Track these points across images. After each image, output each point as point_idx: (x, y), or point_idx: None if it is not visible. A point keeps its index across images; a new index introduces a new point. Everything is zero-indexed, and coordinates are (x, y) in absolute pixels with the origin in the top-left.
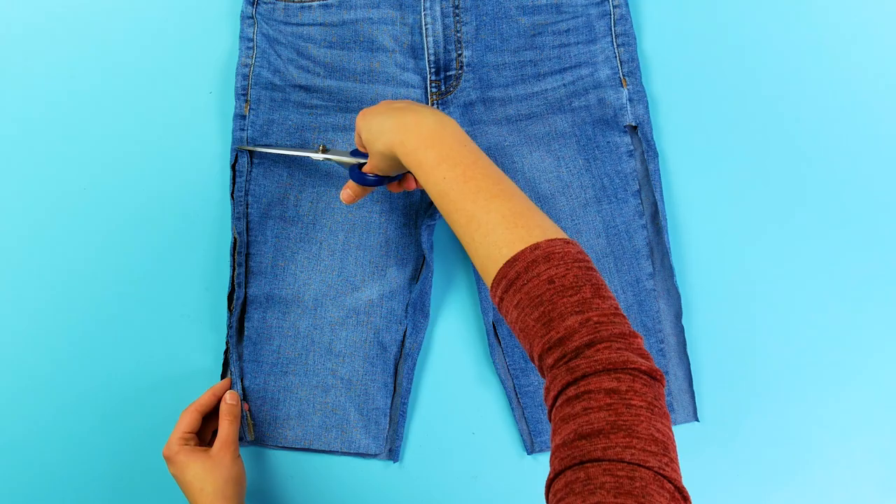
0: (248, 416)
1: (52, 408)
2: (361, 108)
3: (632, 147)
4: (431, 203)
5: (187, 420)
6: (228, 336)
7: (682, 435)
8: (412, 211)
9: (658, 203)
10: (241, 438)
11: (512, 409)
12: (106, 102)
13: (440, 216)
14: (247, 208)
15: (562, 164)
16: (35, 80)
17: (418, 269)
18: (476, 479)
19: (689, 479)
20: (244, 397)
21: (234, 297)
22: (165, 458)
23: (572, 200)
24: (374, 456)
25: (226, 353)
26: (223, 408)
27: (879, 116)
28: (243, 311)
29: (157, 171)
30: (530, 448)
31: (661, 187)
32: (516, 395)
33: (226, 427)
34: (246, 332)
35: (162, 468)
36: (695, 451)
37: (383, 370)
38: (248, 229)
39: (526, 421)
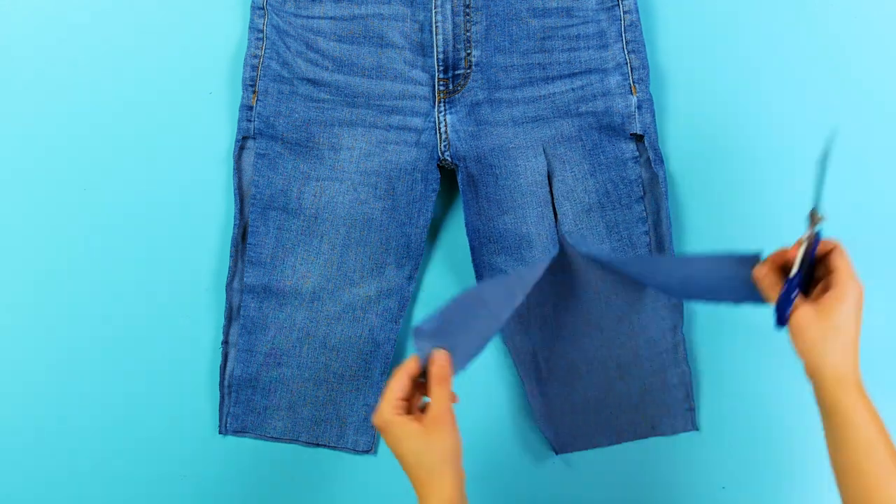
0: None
1: (52, 407)
2: (368, 104)
3: (637, 153)
4: (433, 204)
5: (398, 385)
6: (224, 325)
7: (682, 443)
8: (414, 211)
9: (663, 211)
10: (243, 430)
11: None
12: (110, 95)
13: (442, 216)
14: (250, 199)
15: (567, 169)
16: (37, 78)
17: (416, 270)
18: (476, 479)
19: (689, 487)
20: (234, 386)
21: (232, 286)
22: (378, 426)
23: (576, 205)
24: (365, 452)
25: (224, 343)
26: (433, 371)
27: (890, 130)
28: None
29: (158, 169)
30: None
31: (666, 196)
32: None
33: (438, 393)
34: (241, 321)
35: (162, 467)
36: (694, 459)
37: (376, 367)
38: (249, 220)
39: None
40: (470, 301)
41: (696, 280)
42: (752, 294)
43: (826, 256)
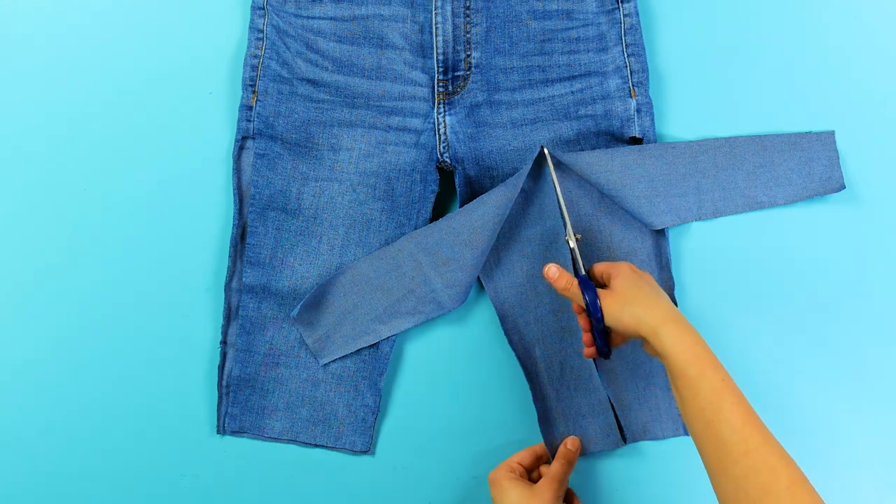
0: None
1: (51, 408)
2: (368, 104)
3: None
4: (431, 206)
5: (522, 454)
6: (223, 325)
7: (682, 443)
8: (413, 212)
9: None
10: (241, 430)
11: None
12: (110, 95)
13: (440, 218)
14: (249, 199)
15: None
16: (37, 77)
17: None
18: (476, 478)
19: (690, 487)
20: (232, 386)
21: (231, 286)
22: (490, 480)
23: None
24: (363, 452)
25: (222, 343)
26: (561, 450)
27: (890, 132)
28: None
29: (158, 168)
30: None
31: None
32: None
33: (556, 467)
34: (240, 322)
35: (160, 467)
36: (694, 459)
37: (374, 368)
38: (248, 220)
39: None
40: (347, 280)
41: (771, 167)
42: (830, 177)
43: (596, 278)
